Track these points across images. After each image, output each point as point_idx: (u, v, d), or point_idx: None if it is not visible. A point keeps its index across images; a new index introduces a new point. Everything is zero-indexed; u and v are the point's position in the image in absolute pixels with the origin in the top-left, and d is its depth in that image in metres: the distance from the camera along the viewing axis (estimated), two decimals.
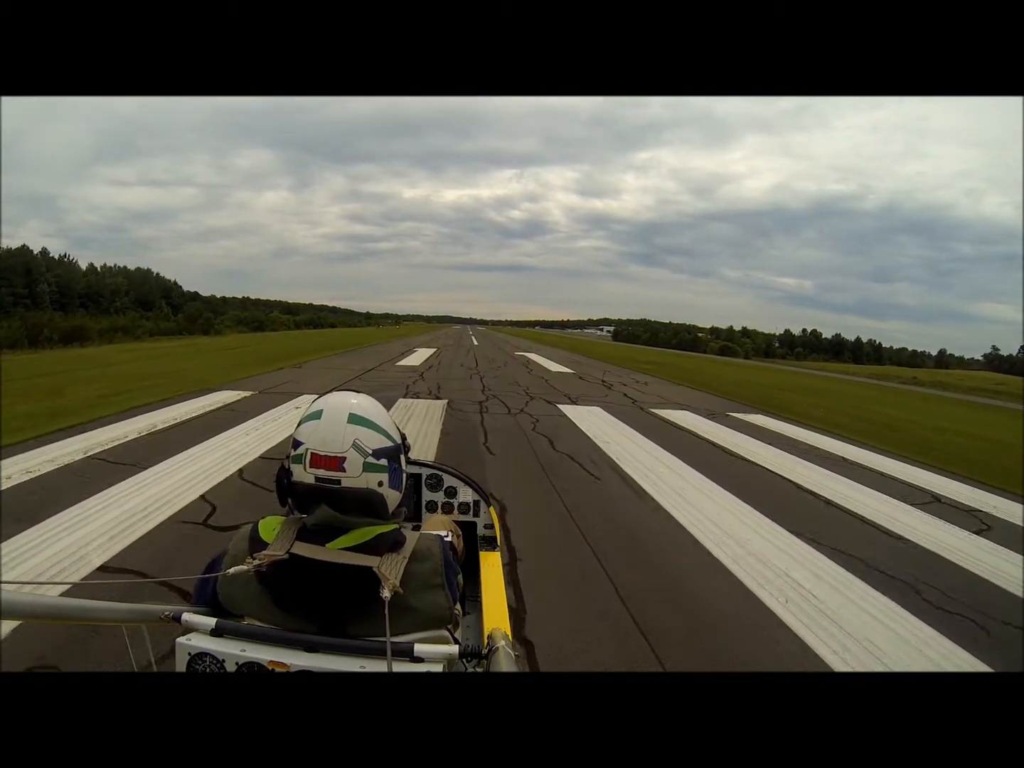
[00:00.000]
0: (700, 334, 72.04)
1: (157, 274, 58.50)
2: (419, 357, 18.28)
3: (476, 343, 33.53)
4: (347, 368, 13.19)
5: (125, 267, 54.67)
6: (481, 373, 14.13)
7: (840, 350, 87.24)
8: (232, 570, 0.92)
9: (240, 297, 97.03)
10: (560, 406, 9.12)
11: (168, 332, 26.91)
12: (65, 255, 48.42)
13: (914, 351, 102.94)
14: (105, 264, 52.37)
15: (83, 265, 51.06)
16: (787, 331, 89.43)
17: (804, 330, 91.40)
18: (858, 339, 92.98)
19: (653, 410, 9.47)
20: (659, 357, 31.00)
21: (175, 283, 61.50)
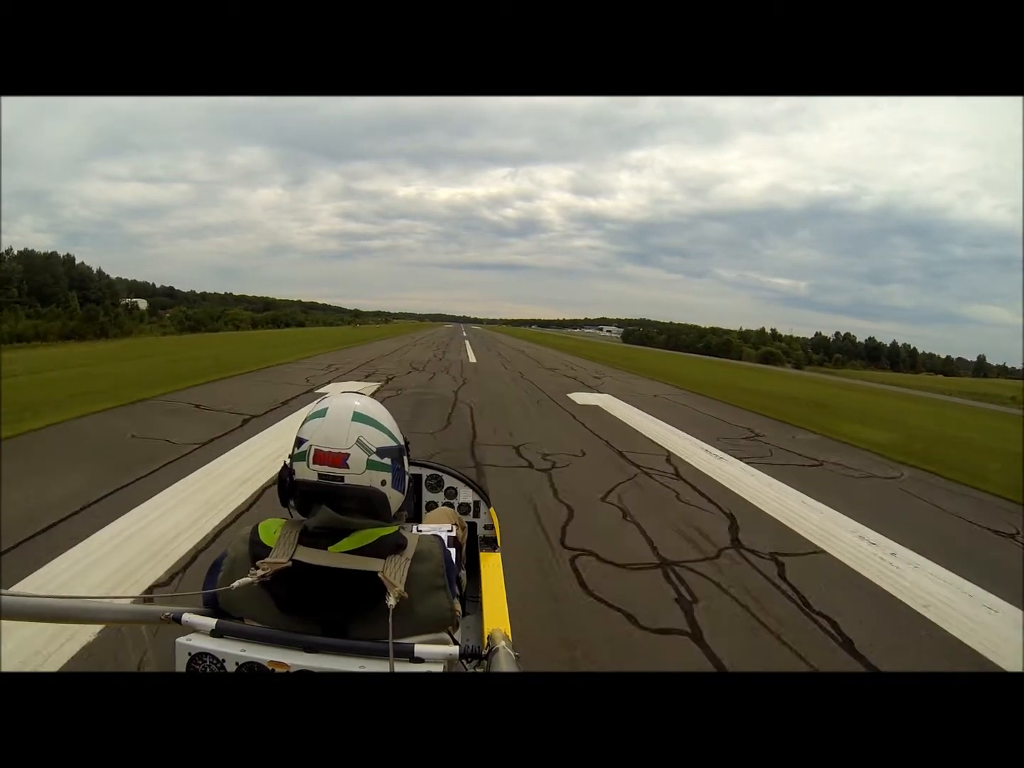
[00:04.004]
0: (727, 337, 65.72)
1: (74, 260, 46.84)
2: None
3: (473, 359, 19.44)
4: None
5: (32, 251, 44.07)
6: None
7: (877, 356, 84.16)
8: (236, 584, 0.90)
9: (223, 293, 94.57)
10: None
11: (47, 334, 21.82)
12: None
13: (947, 357, 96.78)
14: (11, 249, 41.27)
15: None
16: (818, 334, 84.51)
17: (837, 333, 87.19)
18: (894, 343, 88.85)
19: None
20: (771, 383, 20.54)
21: (99, 271, 49.94)
